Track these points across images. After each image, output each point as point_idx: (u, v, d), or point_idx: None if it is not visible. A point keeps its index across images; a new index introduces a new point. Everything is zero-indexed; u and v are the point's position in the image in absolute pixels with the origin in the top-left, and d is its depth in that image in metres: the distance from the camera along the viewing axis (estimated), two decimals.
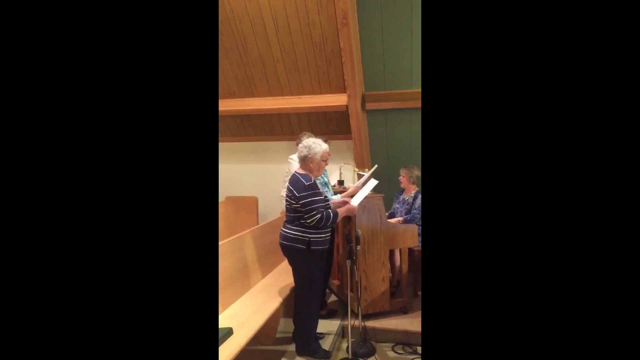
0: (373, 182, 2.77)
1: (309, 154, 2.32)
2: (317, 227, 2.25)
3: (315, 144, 2.34)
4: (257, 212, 4.46)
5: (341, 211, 2.40)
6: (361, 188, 2.90)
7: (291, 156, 3.49)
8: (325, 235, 2.35)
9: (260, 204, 4.54)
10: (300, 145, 2.40)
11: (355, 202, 2.52)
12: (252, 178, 4.77)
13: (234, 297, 2.55)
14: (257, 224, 4.37)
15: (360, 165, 4.05)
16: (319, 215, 2.22)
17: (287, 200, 2.36)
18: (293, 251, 2.31)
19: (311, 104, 4.02)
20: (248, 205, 4.41)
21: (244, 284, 2.73)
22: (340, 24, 3.21)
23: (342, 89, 3.86)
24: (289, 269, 2.49)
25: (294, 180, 2.31)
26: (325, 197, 2.39)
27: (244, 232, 2.93)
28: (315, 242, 2.28)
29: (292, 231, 2.30)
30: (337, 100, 3.92)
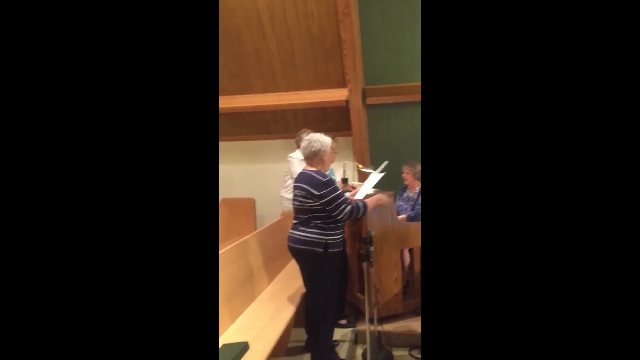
0: (378, 176, 2.65)
1: (322, 147, 2.18)
2: (343, 221, 2.16)
3: (322, 136, 2.26)
4: (254, 214, 4.27)
5: (371, 202, 2.28)
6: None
7: (291, 154, 3.32)
8: (340, 237, 2.21)
9: (256, 205, 4.35)
10: (306, 141, 2.25)
11: (360, 195, 2.42)
12: (247, 179, 4.57)
13: (241, 307, 2.36)
14: (255, 226, 4.18)
15: (361, 162, 3.91)
16: (349, 207, 2.10)
17: (298, 201, 2.19)
18: (309, 255, 2.14)
19: (309, 100, 3.85)
20: (245, 208, 4.21)
21: (249, 293, 2.54)
22: (341, 15, 3.07)
23: (341, 84, 3.71)
24: (295, 273, 2.32)
25: (307, 178, 2.15)
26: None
27: (247, 236, 2.74)
28: (332, 244, 2.13)
29: (307, 233, 2.13)
30: (336, 95, 3.76)
